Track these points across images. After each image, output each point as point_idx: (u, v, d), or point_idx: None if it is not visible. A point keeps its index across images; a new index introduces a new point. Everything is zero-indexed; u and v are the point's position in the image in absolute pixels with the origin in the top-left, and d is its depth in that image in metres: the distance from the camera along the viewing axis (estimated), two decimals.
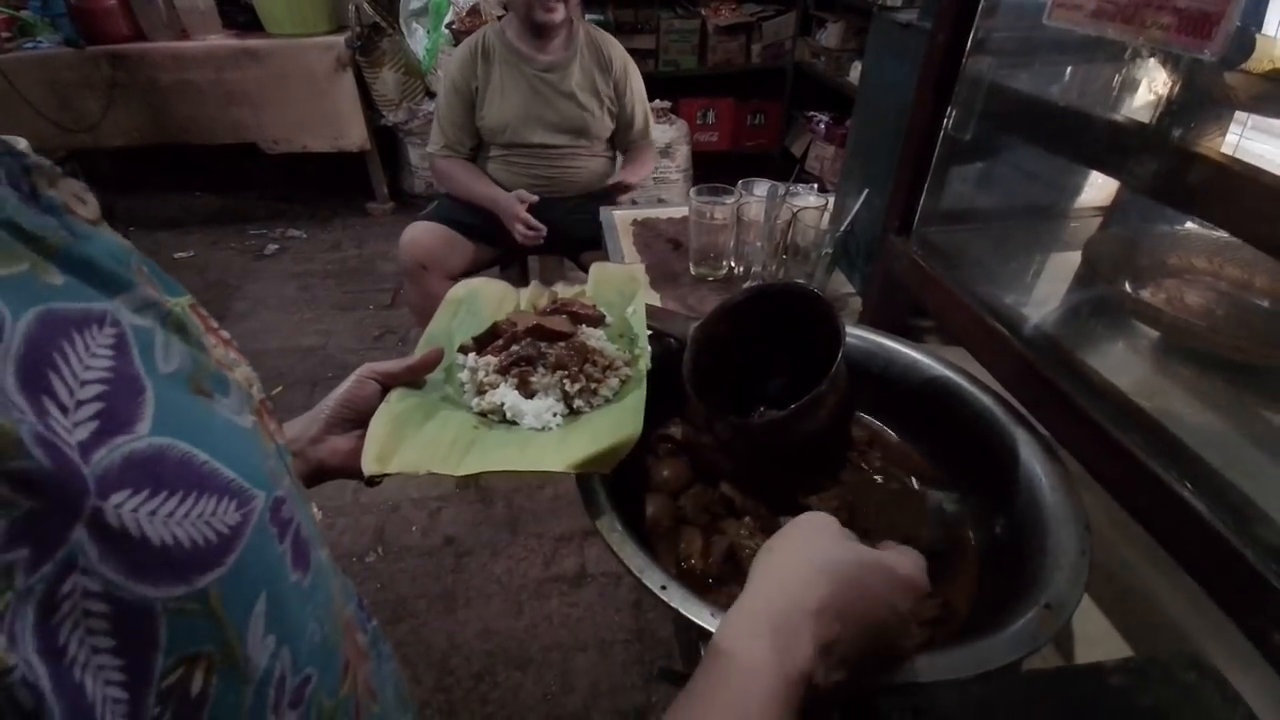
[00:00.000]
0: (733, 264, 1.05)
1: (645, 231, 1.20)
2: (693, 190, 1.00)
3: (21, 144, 0.24)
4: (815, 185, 1.08)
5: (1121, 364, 0.62)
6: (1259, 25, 0.58)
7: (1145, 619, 0.52)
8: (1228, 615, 0.44)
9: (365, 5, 2.62)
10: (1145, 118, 0.57)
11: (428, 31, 2.84)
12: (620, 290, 0.77)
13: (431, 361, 0.61)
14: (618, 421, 0.56)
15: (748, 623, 0.35)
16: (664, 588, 0.43)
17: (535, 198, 1.66)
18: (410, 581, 1.49)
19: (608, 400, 0.62)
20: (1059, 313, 0.68)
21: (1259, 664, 0.41)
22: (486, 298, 0.74)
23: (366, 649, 0.36)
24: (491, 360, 0.64)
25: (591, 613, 1.43)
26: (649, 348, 0.66)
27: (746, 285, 1.01)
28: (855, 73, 2.73)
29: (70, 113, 2.60)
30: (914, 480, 0.63)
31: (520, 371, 0.62)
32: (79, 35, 2.47)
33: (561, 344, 0.64)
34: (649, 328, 0.69)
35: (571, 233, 1.72)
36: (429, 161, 1.82)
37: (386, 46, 2.72)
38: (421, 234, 1.68)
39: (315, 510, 0.32)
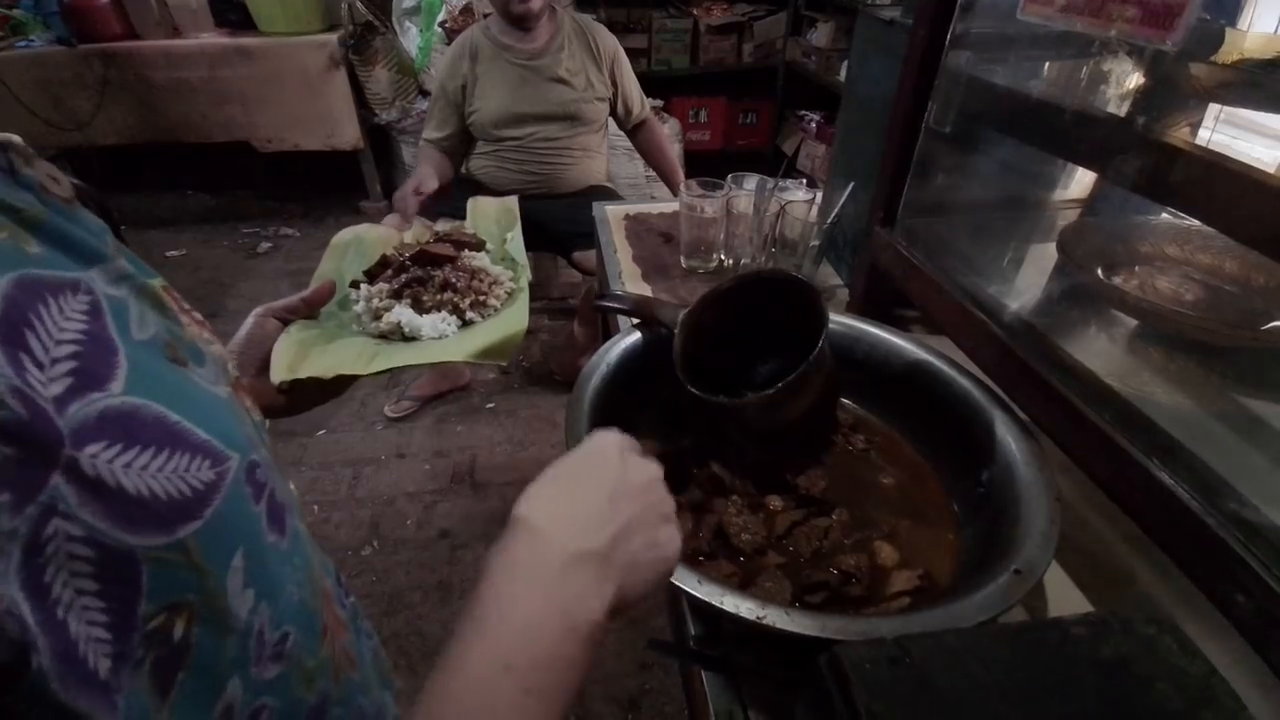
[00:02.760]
0: (723, 257, 1.07)
1: (637, 226, 1.22)
2: (683, 185, 1.02)
3: (15, 141, 0.26)
4: (804, 180, 1.10)
5: (1095, 348, 0.64)
6: (1230, 19, 0.60)
7: (1117, 590, 0.54)
8: (1194, 582, 0.46)
9: (358, 3, 2.63)
10: (1117, 109, 0.59)
11: (421, 30, 2.85)
12: (497, 221, 0.84)
13: (325, 292, 0.65)
14: (507, 321, 0.66)
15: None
16: None
17: (434, 187, 1.61)
18: (405, 574, 1.50)
19: (496, 310, 0.70)
20: (1037, 300, 0.70)
21: (1226, 630, 0.44)
22: (371, 240, 0.79)
23: (345, 620, 0.37)
24: (384, 287, 0.69)
25: None
26: (527, 265, 0.76)
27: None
28: (846, 72, 2.75)
29: (62, 111, 2.60)
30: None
31: (412, 292, 0.68)
32: (71, 34, 2.47)
33: (447, 266, 0.71)
34: (638, 316, 0.71)
35: (564, 231, 1.73)
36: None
37: (379, 45, 2.72)
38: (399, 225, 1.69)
39: (291, 485, 0.34)
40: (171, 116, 2.68)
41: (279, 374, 0.54)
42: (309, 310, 0.63)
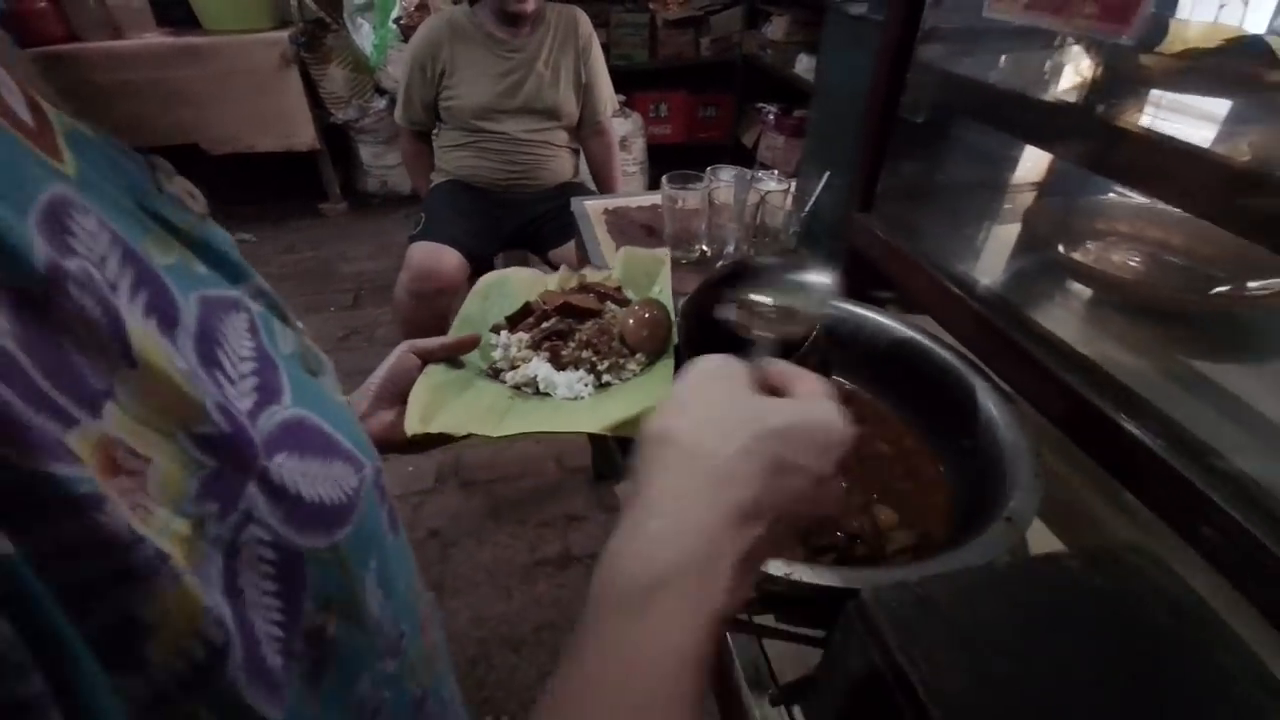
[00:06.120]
0: (705, 247, 1.10)
1: (618, 220, 1.25)
2: (665, 178, 1.05)
3: (159, 159, 0.27)
4: (775, 172, 1.14)
5: (1061, 317, 0.69)
6: (1172, 10, 0.66)
7: (1089, 533, 0.59)
8: (1163, 519, 0.51)
9: (307, 0, 2.57)
10: (1076, 97, 0.64)
11: (375, 27, 2.81)
12: (647, 271, 0.82)
13: (468, 343, 0.65)
14: (648, 390, 0.62)
15: (646, 561, 0.26)
16: None
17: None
18: None
19: (635, 374, 0.67)
20: (1007, 276, 0.75)
21: (1195, 563, 0.49)
22: (517, 283, 0.79)
23: (431, 613, 0.39)
24: (524, 336, 0.69)
25: (579, 592, 1.47)
26: (675, 326, 0.70)
27: (721, 263, 1.06)
28: (801, 65, 2.81)
29: None
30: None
31: (551, 345, 0.67)
32: (13, 39, 2.35)
33: (591, 321, 0.70)
34: None
35: (540, 228, 1.73)
36: (399, 131, 1.86)
37: (332, 43, 2.67)
38: (433, 258, 1.60)
39: None
40: (117, 119, 2.58)
41: (413, 424, 0.55)
42: (448, 355, 0.64)
